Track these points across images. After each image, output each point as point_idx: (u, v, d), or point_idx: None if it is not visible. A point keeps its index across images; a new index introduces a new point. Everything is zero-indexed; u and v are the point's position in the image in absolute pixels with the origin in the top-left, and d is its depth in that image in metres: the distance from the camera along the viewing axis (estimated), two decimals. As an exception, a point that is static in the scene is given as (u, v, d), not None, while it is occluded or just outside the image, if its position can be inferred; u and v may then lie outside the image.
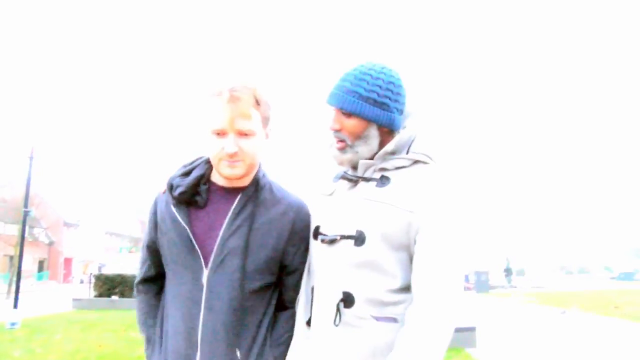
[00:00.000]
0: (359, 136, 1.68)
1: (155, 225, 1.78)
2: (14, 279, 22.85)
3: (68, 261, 63.18)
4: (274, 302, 1.77)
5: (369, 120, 1.66)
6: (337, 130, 1.69)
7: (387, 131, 1.71)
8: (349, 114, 1.66)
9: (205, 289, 1.63)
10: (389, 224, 1.58)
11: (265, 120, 1.70)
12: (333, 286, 1.63)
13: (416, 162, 1.67)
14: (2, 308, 18.85)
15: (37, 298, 27.72)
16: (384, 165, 1.68)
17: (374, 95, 1.64)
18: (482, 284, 30.42)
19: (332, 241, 1.64)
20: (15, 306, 13.30)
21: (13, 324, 12.54)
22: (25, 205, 15.81)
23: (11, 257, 44.67)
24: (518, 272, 61.66)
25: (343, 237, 1.62)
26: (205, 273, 1.64)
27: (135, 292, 1.92)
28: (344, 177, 1.73)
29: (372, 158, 1.70)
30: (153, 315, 1.83)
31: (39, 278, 55.65)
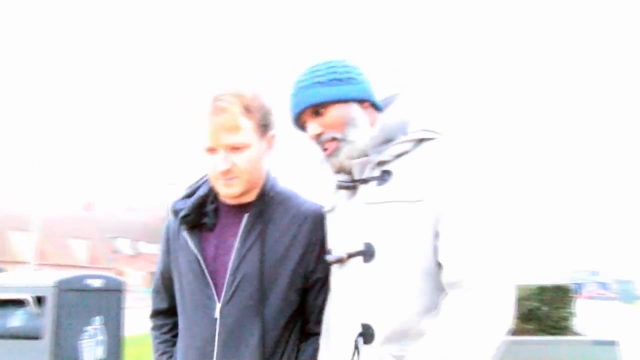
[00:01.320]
0: (344, 123, 1.45)
1: (167, 252, 1.66)
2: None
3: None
4: (297, 331, 1.57)
5: (343, 100, 1.45)
6: (320, 135, 1.47)
7: (372, 108, 1.51)
8: (321, 109, 1.46)
9: (218, 324, 1.47)
10: (398, 226, 1.32)
11: (263, 128, 1.54)
12: (349, 317, 1.37)
13: (420, 141, 1.41)
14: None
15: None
16: (381, 157, 1.41)
17: (335, 75, 1.46)
18: (626, 294, 28.35)
19: (340, 261, 1.40)
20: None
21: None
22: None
23: (152, 273, 47.70)
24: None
25: (350, 255, 1.37)
26: (218, 305, 1.48)
27: (150, 327, 1.78)
28: (340, 187, 1.49)
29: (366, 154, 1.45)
30: (169, 355, 1.69)
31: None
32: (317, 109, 1.46)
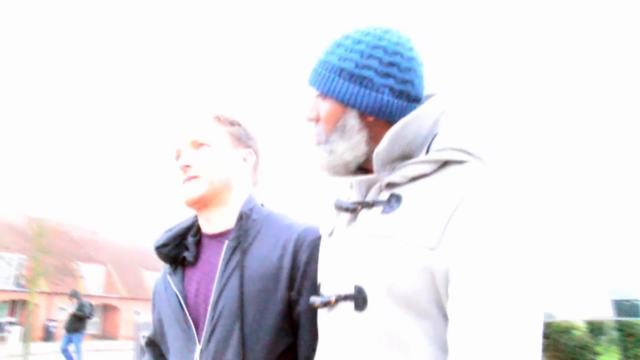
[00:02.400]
0: (334, 125, 1.15)
1: (153, 307, 1.54)
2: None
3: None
4: None
5: (342, 102, 1.14)
6: (312, 120, 1.21)
7: (381, 122, 1.14)
8: (323, 96, 1.18)
9: None
10: (397, 273, 1.00)
11: (236, 140, 1.48)
12: None
13: (444, 164, 1.07)
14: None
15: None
16: (391, 178, 1.09)
17: (349, 65, 1.12)
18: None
19: (327, 304, 1.11)
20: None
21: None
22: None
23: None
24: None
25: (340, 297, 1.08)
26: (198, 347, 1.32)
27: None
28: (338, 208, 1.18)
29: (369, 169, 1.17)
30: None
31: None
32: (319, 93, 1.19)
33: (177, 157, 1.44)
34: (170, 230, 1.49)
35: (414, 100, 1.14)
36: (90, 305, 13.34)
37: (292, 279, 1.32)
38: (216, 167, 1.42)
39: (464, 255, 0.93)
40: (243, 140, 1.49)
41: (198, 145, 1.42)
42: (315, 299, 1.14)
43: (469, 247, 0.93)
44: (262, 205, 1.50)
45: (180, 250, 1.46)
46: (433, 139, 1.11)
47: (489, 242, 0.92)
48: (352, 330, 1.05)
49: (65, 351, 12.76)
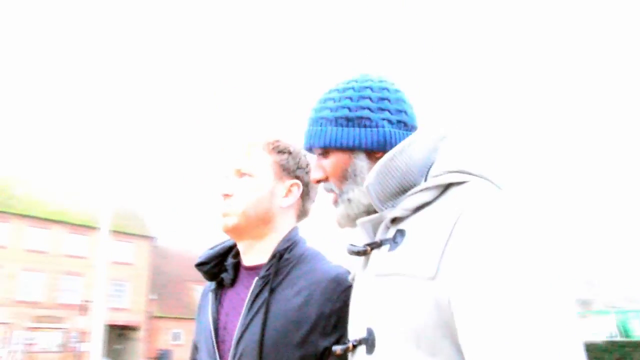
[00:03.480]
0: (344, 175, 1.16)
1: (196, 321, 1.54)
2: None
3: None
4: None
5: (347, 148, 1.15)
6: (322, 181, 1.22)
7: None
8: (324, 153, 1.20)
9: None
10: (402, 309, 0.96)
11: (282, 170, 1.45)
12: None
13: (446, 189, 1.04)
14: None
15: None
16: (394, 213, 1.07)
17: (344, 112, 1.15)
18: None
19: (347, 350, 1.09)
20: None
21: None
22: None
23: None
24: None
25: (356, 342, 1.06)
26: None
27: None
28: (350, 252, 1.15)
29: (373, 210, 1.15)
30: None
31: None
32: (319, 151, 1.21)
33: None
34: (212, 248, 1.50)
35: (411, 128, 1.17)
36: None
37: (319, 327, 1.28)
38: (254, 199, 1.40)
39: (463, 281, 0.87)
40: (291, 170, 1.46)
41: (241, 174, 1.41)
42: (336, 347, 1.11)
43: (466, 271, 0.87)
44: (303, 240, 1.47)
45: (220, 269, 1.46)
46: (431, 166, 1.10)
47: (486, 263, 0.86)
48: None
49: None
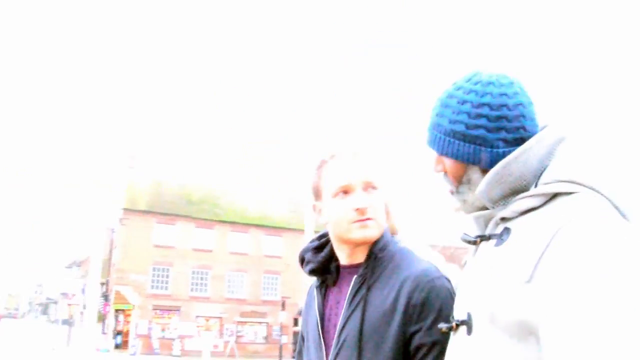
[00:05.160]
0: (459, 180, 1.23)
1: (305, 313, 1.72)
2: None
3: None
4: None
5: (462, 162, 1.20)
6: (440, 172, 1.28)
7: None
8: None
9: None
10: (497, 303, 1.04)
11: (387, 182, 1.59)
12: None
13: (555, 196, 1.06)
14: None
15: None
16: (503, 213, 1.12)
17: (461, 128, 1.16)
18: None
19: (451, 328, 1.21)
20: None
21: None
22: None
23: None
24: None
25: (459, 322, 1.16)
26: None
27: None
28: (463, 240, 1.24)
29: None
30: None
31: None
32: None
33: (345, 193, 1.50)
34: (317, 252, 1.64)
35: (532, 133, 1.16)
36: None
37: (407, 316, 1.41)
38: (383, 211, 1.54)
39: (552, 292, 0.93)
40: (385, 179, 1.59)
41: (371, 187, 1.51)
42: (441, 325, 1.24)
43: (557, 284, 0.92)
44: (394, 240, 1.61)
45: (325, 271, 1.61)
46: (545, 170, 1.11)
47: (573, 280, 0.90)
48: (464, 353, 1.13)
49: None
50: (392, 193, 1.68)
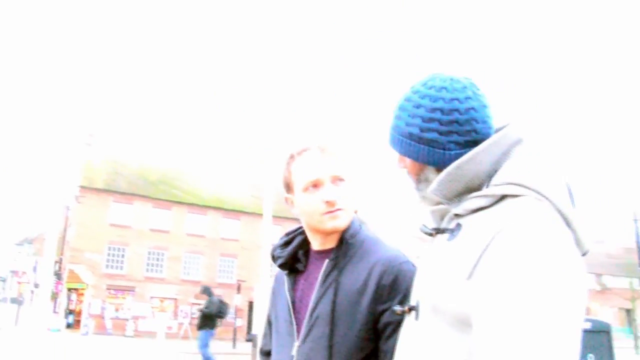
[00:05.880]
0: (418, 178, 1.30)
1: (272, 296, 1.81)
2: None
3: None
4: None
5: (418, 162, 1.28)
6: (403, 169, 1.35)
7: None
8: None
9: None
10: (438, 294, 1.13)
11: (353, 173, 1.67)
12: None
13: (503, 198, 1.11)
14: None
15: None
16: (456, 210, 1.18)
17: (416, 130, 1.23)
18: None
19: (404, 312, 1.31)
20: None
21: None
22: None
23: (627, 311, 49.71)
24: None
25: (410, 307, 1.27)
26: (296, 344, 1.57)
27: None
28: (422, 231, 1.32)
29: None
30: None
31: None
32: None
33: (315, 186, 1.57)
34: (285, 247, 1.72)
35: (487, 134, 1.22)
36: (221, 302, 13.30)
37: (377, 296, 1.51)
38: (352, 202, 1.63)
39: (485, 291, 0.99)
40: (351, 170, 1.67)
41: (339, 180, 1.59)
42: (396, 307, 1.34)
43: (489, 283, 0.99)
44: (361, 226, 1.69)
45: (294, 260, 1.70)
46: (498, 171, 1.17)
47: (506, 280, 0.96)
48: (412, 336, 1.23)
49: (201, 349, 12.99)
50: (360, 184, 1.91)
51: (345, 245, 1.60)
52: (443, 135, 1.21)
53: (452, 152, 1.21)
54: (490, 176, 1.17)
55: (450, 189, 1.20)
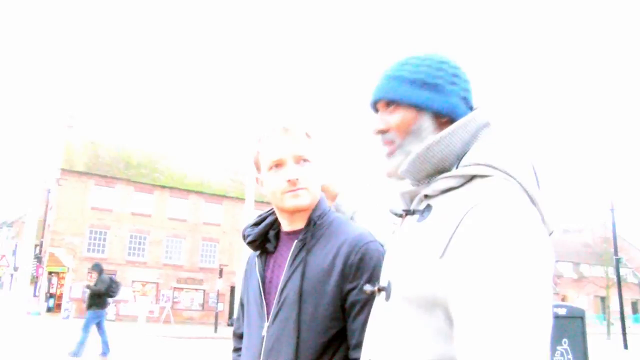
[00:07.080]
0: (408, 130, 1.26)
1: (244, 278, 1.82)
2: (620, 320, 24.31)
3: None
4: (340, 356, 1.55)
5: (418, 107, 1.25)
6: (382, 132, 1.31)
7: (449, 124, 1.24)
8: (394, 106, 1.28)
9: (264, 342, 1.57)
10: (409, 274, 1.13)
11: (319, 154, 1.69)
12: (365, 352, 1.29)
13: (472, 178, 1.14)
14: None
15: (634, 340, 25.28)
16: (426, 190, 1.20)
17: (422, 76, 1.25)
18: None
19: (373, 292, 1.29)
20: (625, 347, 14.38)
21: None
22: (615, 253, 18.43)
23: (602, 298, 50.82)
24: None
25: (380, 288, 1.26)
26: (266, 324, 1.59)
27: None
28: (391, 213, 1.34)
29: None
30: None
31: (636, 320, 56.87)
32: (389, 103, 1.29)
33: (278, 166, 1.61)
34: (256, 227, 1.74)
35: (470, 107, 1.27)
36: (112, 280, 12.16)
37: (344, 275, 1.53)
38: (315, 182, 1.65)
39: (459, 269, 1.00)
40: (320, 151, 1.70)
41: (302, 160, 1.62)
42: (367, 287, 1.30)
43: (463, 261, 1.00)
44: (331, 209, 1.72)
45: (264, 241, 1.72)
46: (466, 153, 1.19)
47: (481, 256, 0.97)
48: (382, 316, 1.22)
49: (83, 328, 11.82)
50: (329, 165, 1.85)
51: (314, 226, 1.63)
52: (448, 84, 1.25)
53: (454, 100, 1.24)
54: (459, 158, 1.19)
55: (420, 170, 1.21)
